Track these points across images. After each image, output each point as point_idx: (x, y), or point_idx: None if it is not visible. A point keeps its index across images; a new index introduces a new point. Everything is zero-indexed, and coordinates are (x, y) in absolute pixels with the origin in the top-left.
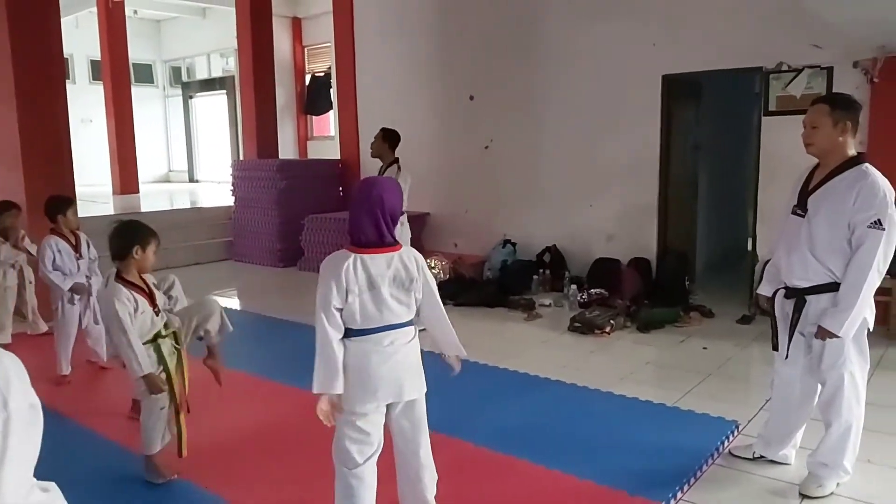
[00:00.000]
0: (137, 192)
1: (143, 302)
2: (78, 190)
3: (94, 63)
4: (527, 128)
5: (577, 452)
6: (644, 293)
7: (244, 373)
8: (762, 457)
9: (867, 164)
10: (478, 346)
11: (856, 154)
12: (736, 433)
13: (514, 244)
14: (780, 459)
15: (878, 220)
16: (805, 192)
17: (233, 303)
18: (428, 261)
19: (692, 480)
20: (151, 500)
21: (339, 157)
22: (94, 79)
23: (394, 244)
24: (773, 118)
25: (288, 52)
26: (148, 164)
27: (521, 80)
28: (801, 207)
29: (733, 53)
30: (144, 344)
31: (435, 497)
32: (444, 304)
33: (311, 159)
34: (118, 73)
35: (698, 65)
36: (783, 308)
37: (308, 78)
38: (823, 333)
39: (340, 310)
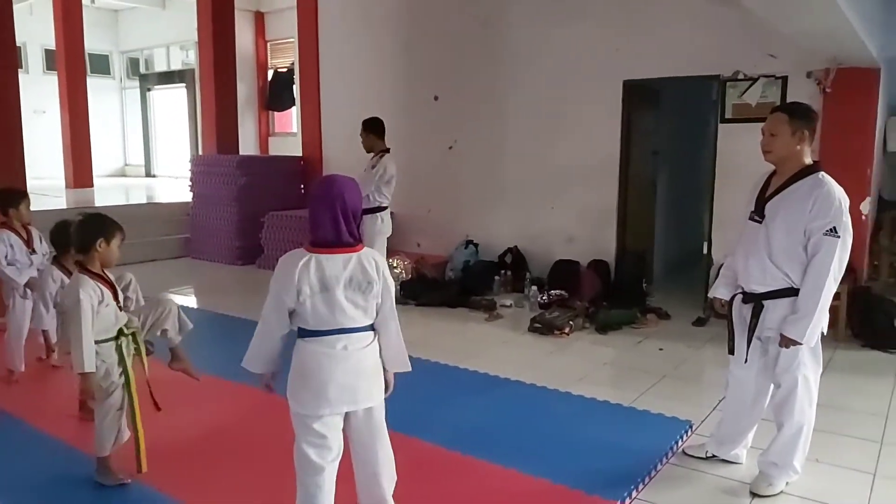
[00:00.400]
0: (91, 186)
1: (108, 295)
2: (29, 183)
3: (48, 52)
4: (490, 129)
5: (535, 452)
6: (603, 295)
7: (202, 373)
8: (714, 456)
9: (823, 173)
10: (438, 346)
11: (812, 162)
12: (690, 433)
13: (476, 245)
14: (732, 459)
15: (834, 227)
16: (762, 199)
17: (190, 301)
18: (390, 260)
19: (647, 479)
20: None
21: (301, 154)
22: (48, 69)
23: (353, 244)
24: (729, 125)
25: (250, 47)
26: (103, 157)
27: (486, 81)
28: (758, 213)
29: (691, 61)
30: (106, 342)
31: (393, 497)
32: (406, 303)
33: (273, 156)
34: (73, 64)
35: (658, 71)
36: (741, 313)
37: (270, 73)
38: (786, 341)
39: (292, 310)
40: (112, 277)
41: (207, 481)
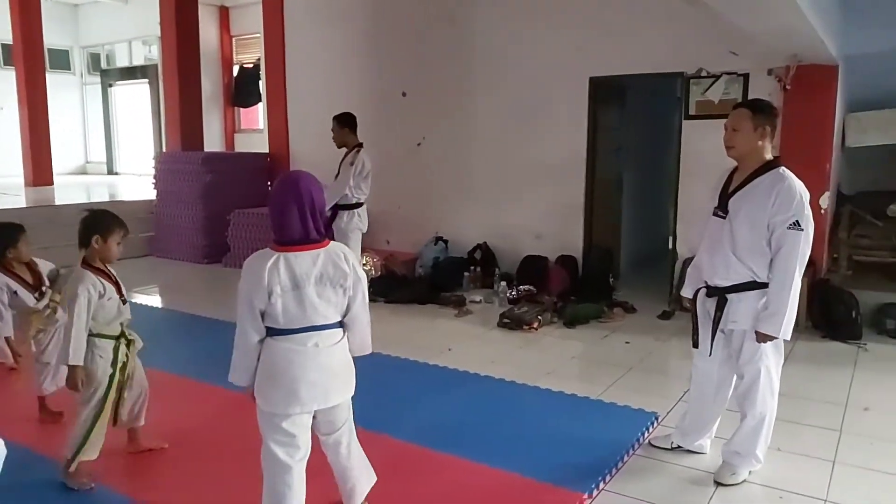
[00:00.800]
0: (52, 183)
1: (110, 289)
2: None
3: (5, 47)
4: (458, 126)
5: (504, 446)
6: (570, 290)
7: (166, 372)
8: (679, 447)
9: (783, 168)
10: (408, 342)
11: (773, 158)
12: (656, 424)
13: (445, 241)
14: (697, 449)
15: (797, 221)
16: (725, 195)
17: (154, 300)
18: (360, 257)
19: (613, 471)
20: None
21: (267, 151)
22: (5, 64)
23: (320, 241)
24: (692, 122)
25: (215, 42)
26: (63, 154)
27: (454, 78)
28: (721, 209)
29: (656, 59)
30: (107, 338)
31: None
32: (375, 301)
33: (239, 152)
34: (32, 59)
35: (623, 68)
36: (704, 306)
37: (236, 69)
38: (763, 338)
39: (263, 311)
40: (114, 272)
41: (173, 484)
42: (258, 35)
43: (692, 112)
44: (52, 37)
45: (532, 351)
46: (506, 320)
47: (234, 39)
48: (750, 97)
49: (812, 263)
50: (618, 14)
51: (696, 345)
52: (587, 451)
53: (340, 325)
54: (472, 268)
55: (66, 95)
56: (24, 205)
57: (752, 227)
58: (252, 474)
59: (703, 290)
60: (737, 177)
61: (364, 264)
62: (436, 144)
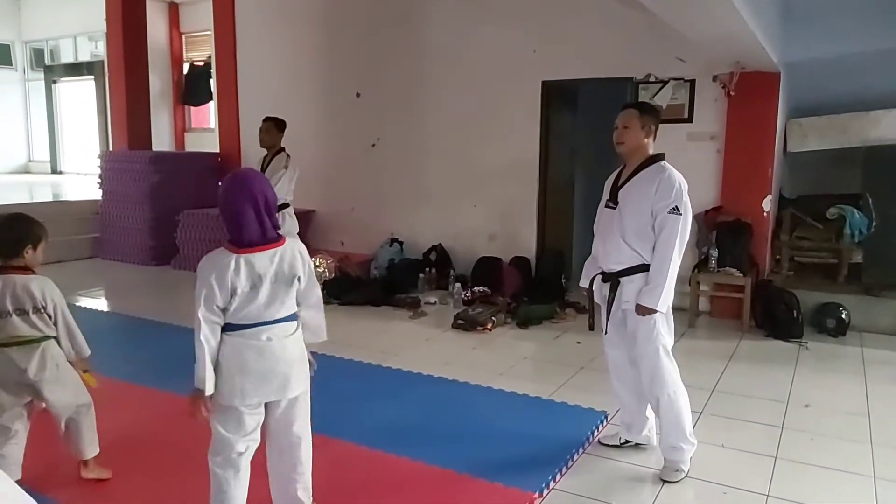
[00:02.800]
0: None
1: None
2: None
3: None
4: (413, 127)
5: (456, 447)
6: (524, 290)
7: (114, 379)
8: (628, 442)
9: (665, 162)
10: (362, 344)
11: (655, 154)
12: (605, 423)
13: (401, 243)
14: (643, 441)
15: (676, 206)
16: (615, 188)
17: (100, 304)
18: (313, 259)
19: (564, 470)
20: None
21: (218, 150)
22: None
23: (277, 239)
24: None
25: (164, 39)
26: (5, 153)
27: (408, 79)
28: (612, 201)
29: (607, 63)
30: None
31: (313, 498)
32: (330, 303)
33: (189, 152)
34: None
35: (575, 72)
36: (601, 291)
37: (186, 67)
38: (643, 310)
39: (224, 309)
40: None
41: (118, 492)
42: (209, 32)
43: None
44: None
45: (485, 352)
46: (460, 321)
47: (184, 36)
48: (696, 102)
49: (755, 264)
50: (570, 19)
51: (591, 327)
52: (537, 451)
53: (294, 317)
54: (428, 269)
55: (7, 92)
56: None
57: (638, 214)
58: (200, 478)
59: (599, 277)
60: (625, 172)
61: (317, 266)
62: (391, 145)
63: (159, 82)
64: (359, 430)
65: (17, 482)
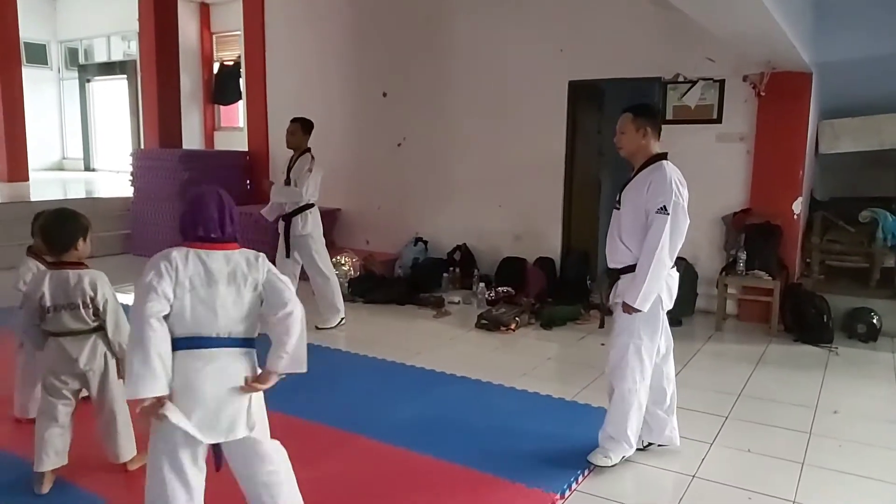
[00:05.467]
0: (27, 179)
1: None
2: None
3: None
4: (439, 127)
5: (478, 447)
6: (548, 291)
7: None
8: (651, 444)
9: (664, 161)
10: (386, 342)
11: (658, 153)
12: None
13: (425, 242)
14: (665, 442)
15: (664, 205)
16: (622, 189)
17: (130, 299)
18: (338, 257)
19: (586, 472)
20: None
21: (246, 149)
22: None
23: (235, 240)
24: (669, 126)
25: (195, 39)
26: (40, 150)
27: (434, 78)
28: (618, 202)
29: (634, 63)
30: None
31: (335, 494)
32: (354, 301)
33: (218, 150)
34: (7, 53)
35: (602, 72)
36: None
37: (216, 66)
38: (626, 308)
39: (169, 303)
40: None
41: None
42: (239, 32)
43: (669, 117)
44: (29, 30)
45: (509, 352)
46: (483, 321)
47: (214, 36)
48: (725, 103)
49: (785, 268)
50: (598, 18)
51: (601, 325)
52: (560, 452)
53: (253, 344)
54: (452, 269)
55: (42, 90)
56: None
57: (634, 213)
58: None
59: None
60: (631, 174)
61: (342, 264)
62: (416, 145)
63: (190, 82)
64: (381, 427)
65: (59, 470)
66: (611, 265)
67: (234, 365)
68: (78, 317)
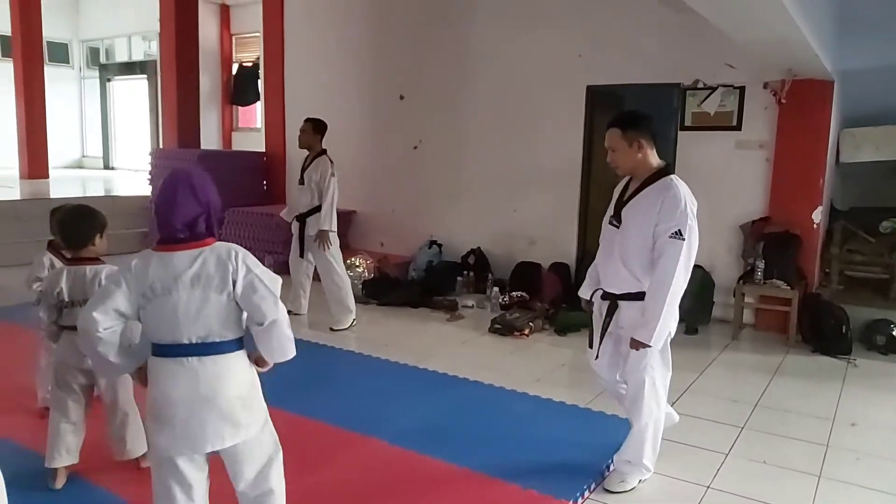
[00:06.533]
0: (47, 177)
1: None
2: None
3: (3, 39)
4: (455, 130)
5: (489, 452)
6: (563, 297)
7: None
8: None
9: (673, 176)
10: (399, 345)
11: (661, 166)
12: None
13: (439, 245)
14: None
15: (679, 230)
16: (620, 204)
17: None
18: (353, 259)
19: (599, 479)
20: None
21: (264, 150)
22: (3, 56)
23: (205, 237)
24: (688, 133)
25: (215, 40)
26: (60, 148)
27: (451, 82)
28: (616, 218)
29: (653, 69)
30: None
31: (344, 497)
32: (368, 303)
33: (235, 151)
34: (30, 51)
35: (621, 78)
36: (600, 308)
37: (235, 67)
38: (636, 345)
39: (126, 315)
40: None
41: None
42: (258, 34)
43: (688, 123)
44: (52, 30)
45: (522, 357)
46: (497, 326)
47: (234, 38)
48: (745, 110)
49: (803, 277)
50: (617, 23)
51: (590, 344)
52: (573, 460)
53: (237, 345)
54: (466, 272)
55: (63, 89)
56: (18, 197)
57: (641, 236)
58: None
59: (600, 292)
60: (631, 185)
61: (357, 266)
62: (432, 148)
63: (209, 82)
64: (393, 430)
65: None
66: (609, 288)
67: (214, 372)
68: None
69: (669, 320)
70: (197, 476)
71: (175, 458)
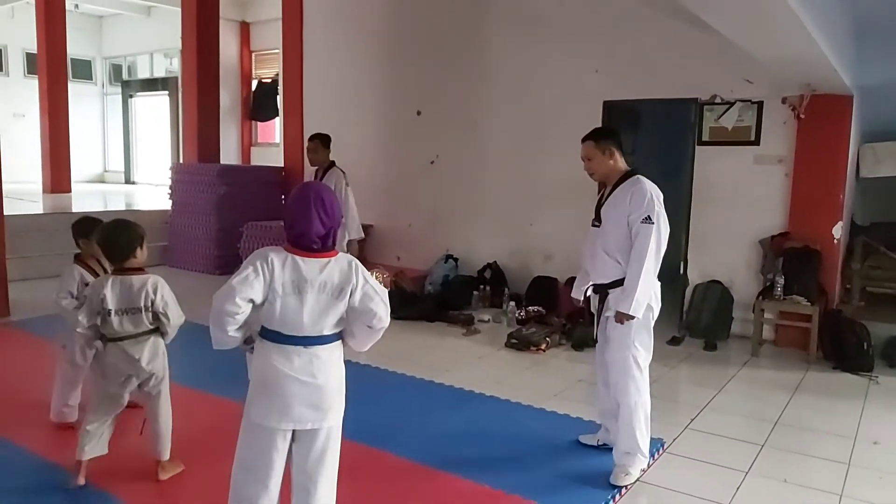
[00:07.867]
0: (69, 191)
1: None
2: (5, 187)
3: (29, 56)
4: (472, 145)
5: (506, 467)
6: (580, 312)
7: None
8: (605, 444)
9: (638, 175)
10: (415, 359)
11: (628, 169)
12: (661, 451)
13: (456, 259)
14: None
15: (648, 216)
16: (599, 206)
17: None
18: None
19: (617, 497)
20: None
21: (282, 165)
22: (29, 72)
23: (332, 249)
24: (705, 148)
25: (235, 57)
26: (83, 163)
27: (468, 97)
28: (596, 219)
29: (671, 84)
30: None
31: None
32: None
33: (254, 165)
34: (55, 68)
35: (638, 93)
36: (594, 303)
37: (255, 83)
38: (620, 317)
39: (255, 304)
40: None
41: (182, 492)
42: (277, 51)
43: (705, 138)
44: (76, 47)
45: (539, 372)
46: (514, 341)
47: (253, 55)
48: (764, 125)
49: (824, 293)
50: (634, 39)
51: (595, 340)
52: (591, 476)
53: (338, 337)
54: (482, 287)
55: (87, 105)
56: (41, 211)
57: (617, 227)
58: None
59: (591, 289)
60: (607, 191)
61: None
62: (449, 163)
63: (229, 98)
64: (408, 444)
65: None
66: (598, 280)
67: (319, 363)
68: (138, 320)
69: (647, 292)
70: (283, 447)
71: (275, 428)
